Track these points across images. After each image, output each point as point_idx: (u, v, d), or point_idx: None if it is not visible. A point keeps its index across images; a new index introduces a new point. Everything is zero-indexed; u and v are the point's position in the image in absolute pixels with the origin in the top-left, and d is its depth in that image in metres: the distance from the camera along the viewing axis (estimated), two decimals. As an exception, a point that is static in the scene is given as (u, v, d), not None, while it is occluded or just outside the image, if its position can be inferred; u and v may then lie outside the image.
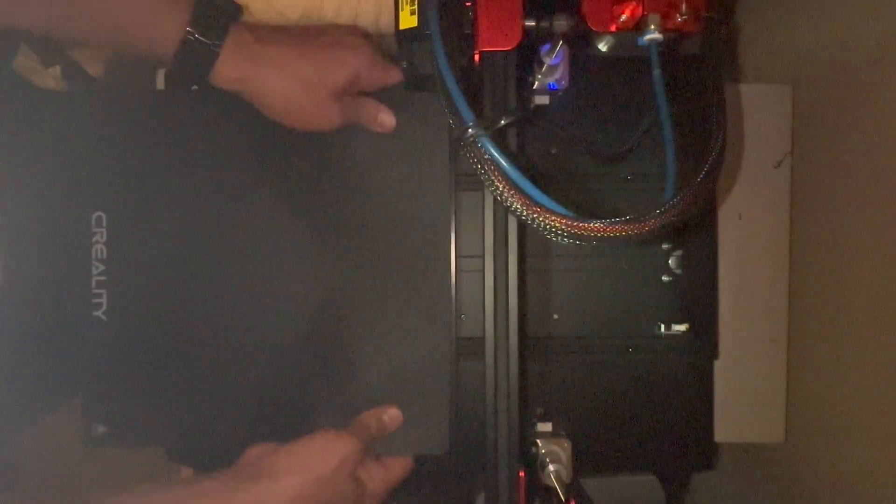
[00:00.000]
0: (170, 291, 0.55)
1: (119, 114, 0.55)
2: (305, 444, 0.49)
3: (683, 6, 0.45)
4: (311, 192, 0.55)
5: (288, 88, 0.49)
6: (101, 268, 0.54)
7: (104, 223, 0.54)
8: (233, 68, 0.48)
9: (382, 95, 0.54)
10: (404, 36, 0.49)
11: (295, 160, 0.55)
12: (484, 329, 0.50)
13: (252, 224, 0.55)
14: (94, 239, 0.54)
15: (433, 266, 0.55)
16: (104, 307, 0.54)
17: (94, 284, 0.54)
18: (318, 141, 0.54)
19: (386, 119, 0.54)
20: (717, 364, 0.57)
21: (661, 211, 0.42)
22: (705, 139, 0.45)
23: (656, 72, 0.46)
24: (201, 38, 0.46)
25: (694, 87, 0.52)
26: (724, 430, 0.57)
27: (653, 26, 0.45)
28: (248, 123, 0.54)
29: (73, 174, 0.54)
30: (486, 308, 0.50)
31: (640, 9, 0.46)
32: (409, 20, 0.48)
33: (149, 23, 0.46)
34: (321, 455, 0.48)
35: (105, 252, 0.54)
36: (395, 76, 0.54)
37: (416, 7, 0.48)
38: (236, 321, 0.55)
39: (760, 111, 0.57)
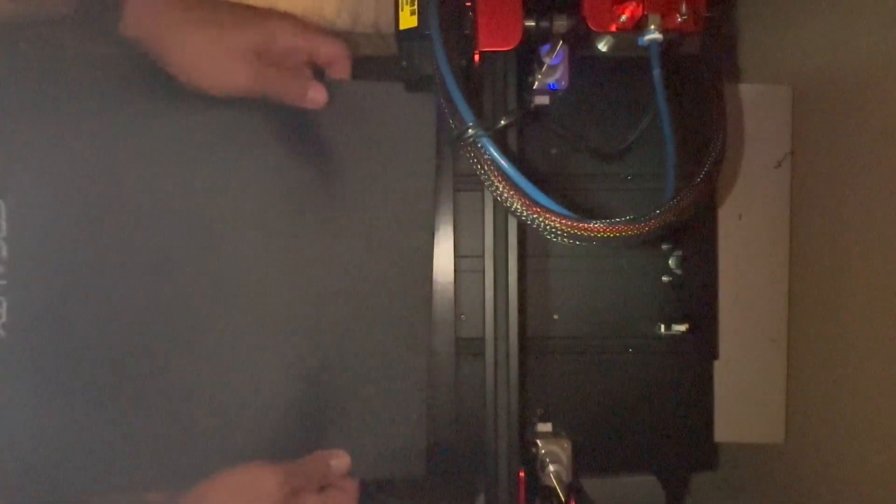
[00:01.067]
0: (92, 300, 0.45)
1: (21, 76, 0.45)
2: (222, 478, 0.46)
3: (683, 6, 0.45)
4: (303, 191, 0.53)
5: (198, 38, 0.46)
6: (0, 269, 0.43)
7: (2, 213, 0.44)
8: (143, 15, 0.44)
9: (382, 95, 0.54)
10: (404, 36, 0.49)
11: (285, 158, 0.52)
12: (484, 329, 0.50)
13: (226, 225, 0.49)
14: None
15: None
16: (2, 319, 0.44)
17: None
18: (312, 138, 0.54)
19: (317, 95, 0.51)
20: (717, 364, 0.57)
21: (661, 211, 0.42)
22: (705, 139, 0.45)
23: (656, 72, 0.45)
24: None
25: (694, 87, 0.52)
26: (724, 430, 0.57)
27: (653, 26, 0.45)
28: (212, 103, 0.48)
29: None
30: (486, 308, 0.50)
31: (640, 9, 0.46)
32: (409, 20, 0.48)
33: None
34: (233, 490, 0.46)
35: (4, 249, 0.44)
36: (332, 46, 0.51)
37: (416, 7, 0.48)
38: (191, 331, 0.48)
39: (760, 111, 0.57)
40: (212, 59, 0.47)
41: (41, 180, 0.44)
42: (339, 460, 0.51)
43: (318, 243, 0.51)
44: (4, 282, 0.44)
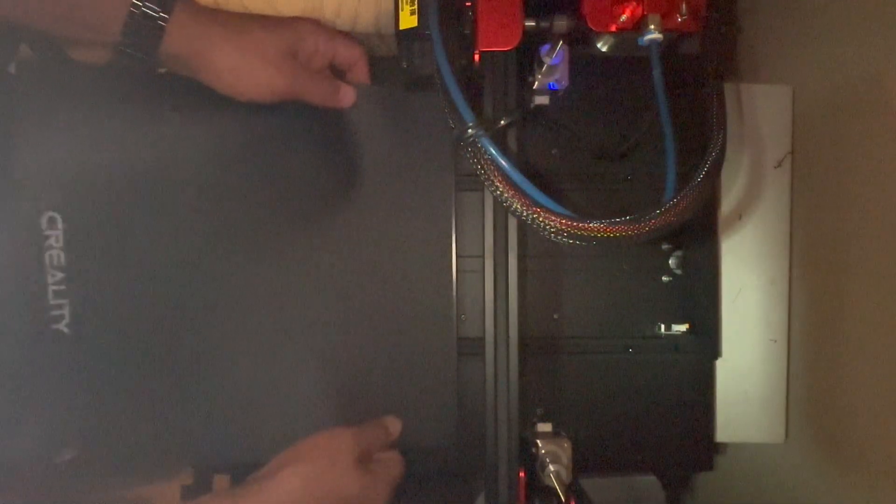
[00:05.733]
0: (143, 297, 0.51)
1: (76, 96, 0.50)
2: (302, 443, 0.50)
3: (683, 6, 0.45)
4: (308, 191, 0.54)
5: (236, 48, 0.49)
6: (59, 276, 0.49)
7: (59, 225, 0.49)
8: (183, 34, 0.47)
9: (383, 95, 0.54)
10: (404, 36, 0.49)
11: (290, 158, 0.54)
12: (484, 329, 0.50)
13: (241, 223, 0.53)
14: (47, 243, 0.48)
15: (433, 266, 0.55)
16: (66, 319, 0.49)
17: (51, 295, 0.49)
18: (316, 139, 0.54)
19: (346, 95, 0.54)
20: (718, 364, 0.57)
21: (661, 211, 0.42)
22: (705, 139, 0.45)
23: (656, 72, 0.46)
24: (147, 9, 0.46)
25: (694, 87, 0.52)
26: (724, 430, 0.57)
27: (653, 26, 0.45)
28: (233, 113, 0.52)
29: (21, 167, 0.48)
30: (486, 308, 0.50)
31: (640, 9, 0.46)
32: (409, 20, 0.48)
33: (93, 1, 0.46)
34: (316, 450, 0.49)
35: (62, 258, 0.49)
36: (351, 49, 0.53)
37: (416, 7, 0.48)
38: (222, 326, 0.52)
39: (760, 111, 0.57)
40: (251, 66, 0.49)
41: (92, 194, 0.49)
42: (394, 426, 0.55)
43: (351, 237, 0.55)
44: (64, 286, 0.49)
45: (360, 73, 0.55)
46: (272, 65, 0.50)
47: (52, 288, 0.49)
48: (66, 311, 0.49)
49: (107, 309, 0.50)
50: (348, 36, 0.54)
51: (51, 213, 0.49)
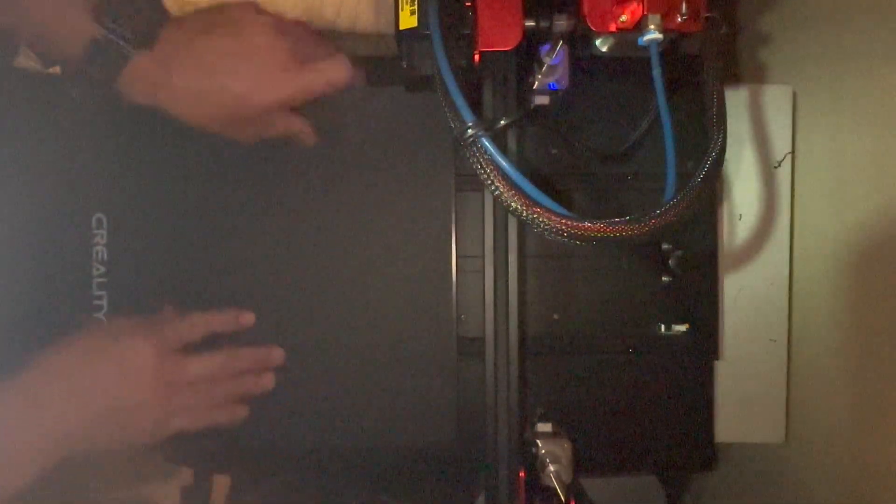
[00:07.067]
0: (172, 291, 0.55)
1: (118, 110, 0.53)
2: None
3: (683, 6, 0.45)
4: (313, 192, 0.55)
5: (204, 105, 0.48)
6: (102, 269, 0.54)
7: (105, 224, 0.54)
8: (146, 74, 0.46)
9: (383, 95, 0.55)
10: (404, 36, 0.49)
11: (297, 160, 0.55)
12: (484, 329, 0.50)
13: (254, 224, 0.55)
14: (94, 240, 0.54)
15: (433, 266, 0.55)
16: (105, 309, 0.54)
17: (95, 286, 0.54)
18: (318, 141, 0.54)
19: (308, 135, 0.54)
20: (718, 364, 0.57)
21: (661, 211, 0.41)
22: (705, 139, 0.45)
23: (656, 72, 0.45)
24: (113, 38, 0.44)
25: (694, 87, 0.52)
26: (725, 431, 0.57)
27: (653, 26, 0.45)
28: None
29: (74, 174, 0.54)
30: (486, 308, 0.50)
31: (640, 9, 0.46)
32: (409, 20, 0.48)
33: (55, 15, 0.44)
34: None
35: (105, 253, 0.54)
36: (335, 71, 0.51)
37: (416, 7, 0.48)
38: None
39: (760, 111, 0.57)
40: (223, 123, 0.50)
41: (133, 197, 0.55)
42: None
43: (350, 237, 0.55)
44: (105, 279, 0.54)
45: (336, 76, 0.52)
46: (240, 124, 0.50)
47: (96, 280, 0.54)
48: (104, 302, 0.54)
49: (139, 300, 0.55)
50: (325, 54, 0.52)
51: (99, 215, 0.54)
